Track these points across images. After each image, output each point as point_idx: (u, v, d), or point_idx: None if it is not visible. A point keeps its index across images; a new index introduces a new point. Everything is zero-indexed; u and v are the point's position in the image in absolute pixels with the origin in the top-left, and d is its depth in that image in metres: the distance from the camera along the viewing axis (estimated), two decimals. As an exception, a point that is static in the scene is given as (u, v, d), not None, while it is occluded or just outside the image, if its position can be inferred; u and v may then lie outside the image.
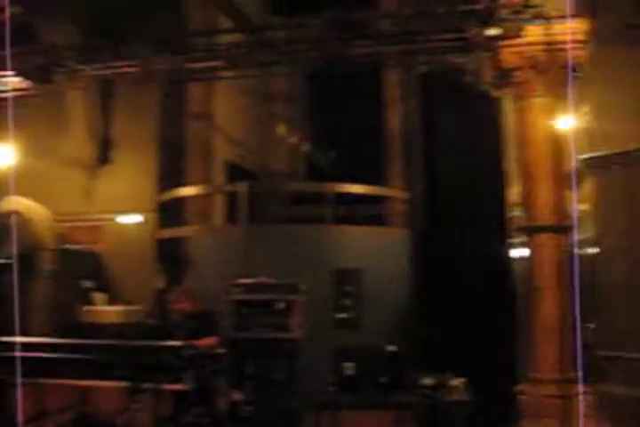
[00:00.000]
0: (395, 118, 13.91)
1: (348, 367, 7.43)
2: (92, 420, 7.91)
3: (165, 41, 10.23)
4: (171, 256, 12.59)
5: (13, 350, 7.52)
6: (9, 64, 9.04)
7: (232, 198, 12.63)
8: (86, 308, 13.15)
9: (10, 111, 9.44)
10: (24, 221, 12.76)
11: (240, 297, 8.56)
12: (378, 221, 13.26)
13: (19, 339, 7.85)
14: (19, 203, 12.43)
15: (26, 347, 7.72)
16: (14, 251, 11.04)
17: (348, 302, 10.80)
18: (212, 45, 10.38)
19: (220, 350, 7.67)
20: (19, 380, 6.38)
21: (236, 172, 15.35)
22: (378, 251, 11.31)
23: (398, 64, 11.78)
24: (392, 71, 13.76)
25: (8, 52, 8.82)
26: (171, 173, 13.69)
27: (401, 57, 9.89)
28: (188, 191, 12.81)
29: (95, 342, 8.00)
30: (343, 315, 10.73)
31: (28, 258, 12.42)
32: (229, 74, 11.19)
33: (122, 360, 6.98)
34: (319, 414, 7.36)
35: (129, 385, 6.94)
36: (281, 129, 16.71)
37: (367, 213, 13.25)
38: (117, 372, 7.02)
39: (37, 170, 13.03)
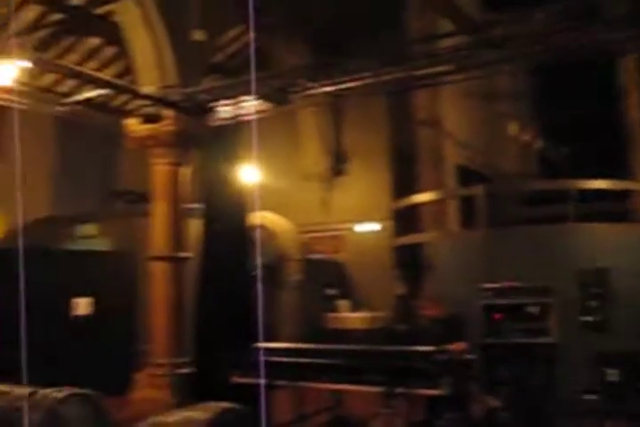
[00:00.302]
0: (635, 107, 12.99)
1: (612, 374, 7.00)
2: (347, 423, 8.14)
3: (389, 52, 10.38)
4: (409, 263, 12.72)
5: (270, 355, 7.94)
6: (253, 88, 9.65)
7: (466, 202, 12.51)
8: (331, 315, 13.72)
9: (254, 133, 10.12)
10: (269, 235, 13.62)
11: (489, 302, 8.42)
12: (623, 217, 12.45)
13: (274, 345, 8.31)
14: (264, 217, 13.24)
15: (282, 352, 8.13)
16: (261, 263, 11.77)
17: (594, 303, 10.20)
18: (434, 51, 10.36)
19: (470, 356, 7.58)
20: (262, 382, 6.70)
21: (466, 175, 15.21)
22: (625, 249, 10.58)
23: (636, 49, 11.02)
24: (629, 58, 12.89)
25: (252, 76, 9.39)
26: (404, 181, 13.87)
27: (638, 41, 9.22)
28: (422, 198, 12.88)
29: (350, 347, 8.26)
30: (590, 318, 10.16)
31: (275, 269, 13.24)
32: (454, 77, 11.10)
33: (375, 365, 7.13)
34: (578, 421, 7.02)
35: (383, 390, 7.07)
36: (512, 127, 16.29)
37: (611, 209, 12.50)
38: (371, 377, 7.17)
39: (278, 186, 13.86)
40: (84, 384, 5.48)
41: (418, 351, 6.98)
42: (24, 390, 4.88)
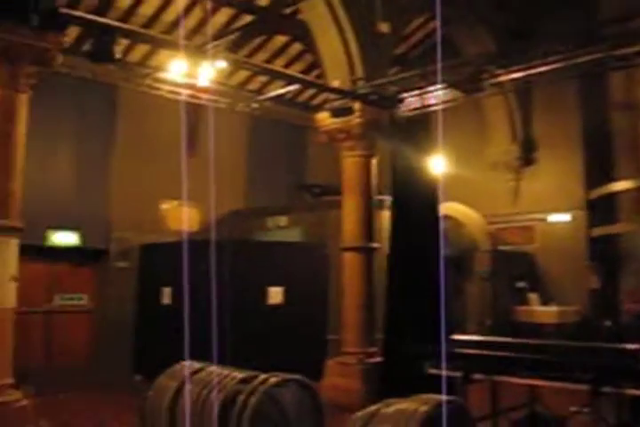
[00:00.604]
0: None
1: None
2: (543, 420, 7.87)
3: (581, 33, 9.91)
4: (604, 255, 12.11)
5: (463, 347, 7.84)
6: (439, 77, 9.58)
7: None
8: (520, 308, 13.36)
9: (440, 123, 10.03)
10: (458, 225, 13.48)
11: None
12: None
13: (468, 337, 8.20)
14: (452, 208, 13.11)
15: (475, 345, 8.00)
16: (450, 253, 11.66)
17: None
18: (632, 30, 9.73)
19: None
20: (444, 374, 6.61)
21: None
22: None
23: None
24: None
25: (438, 66, 9.33)
26: (597, 169, 13.19)
27: None
28: (618, 186, 12.19)
29: (553, 342, 8.01)
30: None
31: (463, 260, 13.08)
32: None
33: (577, 362, 6.84)
34: None
35: (585, 388, 6.77)
36: None
37: None
38: (572, 373, 6.89)
39: (467, 175, 13.67)
40: (279, 370, 5.69)
41: (625, 349, 6.61)
42: (243, 374, 5.18)
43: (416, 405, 4.07)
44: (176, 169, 11.40)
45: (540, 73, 9.69)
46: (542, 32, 13.49)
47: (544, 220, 14.04)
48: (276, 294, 11.10)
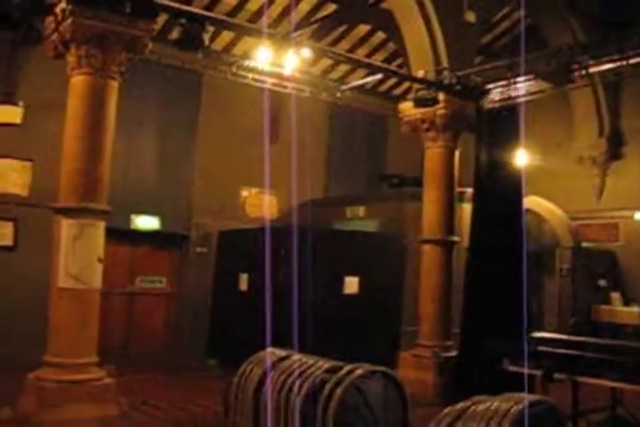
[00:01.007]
0: None
1: None
2: (625, 423, 7.64)
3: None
4: None
5: (543, 345, 7.66)
6: (522, 68, 9.33)
7: None
8: (602, 307, 13.03)
9: (523, 115, 9.80)
10: (539, 220, 13.19)
11: None
12: None
13: (551, 335, 8.02)
14: (533, 202, 12.83)
15: (555, 344, 7.81)
16: (531, 249, 11.38)
17: None
18: None
19: None
20: (526, 372, 6.45)
21: None
22: None
23: None
24: None
25: (522, 57, 9.12)
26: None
27: None
28: None
29: (633, 344, 7.75)
30: None
31: (544, 256, 12.79)
32: None
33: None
34: None
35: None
36: None
37: None
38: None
39: (550, 169, 13.36)
40: (353, 360, 5.67)
41: None
42: (329, 364, 5.19)
43: (507, 404, 3.98)
44: (257, 157, 11.51)
45: (633, 65, 9.32)
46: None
47: (630, 217, 13.58)
48: (351, 284, 11.08)
